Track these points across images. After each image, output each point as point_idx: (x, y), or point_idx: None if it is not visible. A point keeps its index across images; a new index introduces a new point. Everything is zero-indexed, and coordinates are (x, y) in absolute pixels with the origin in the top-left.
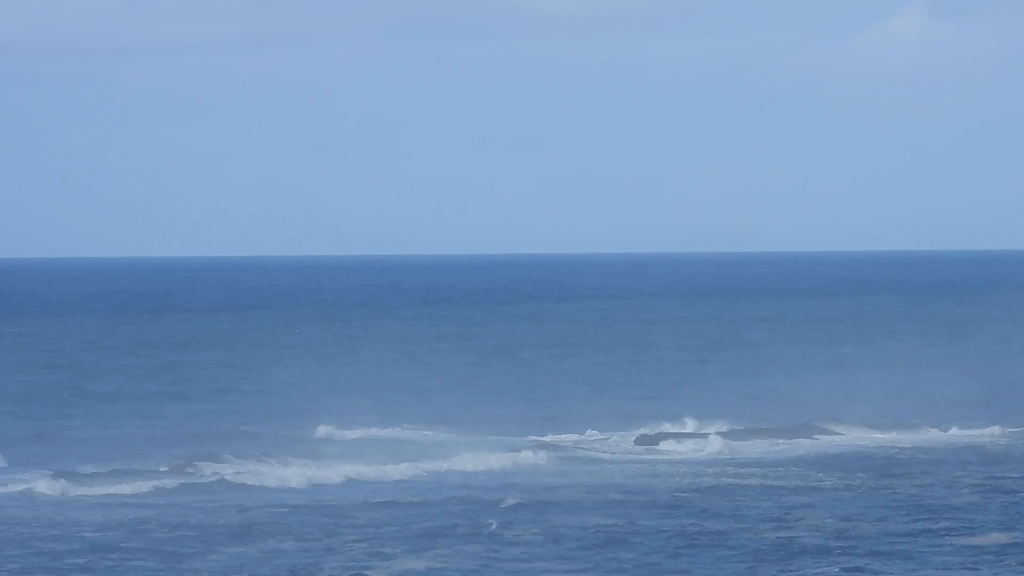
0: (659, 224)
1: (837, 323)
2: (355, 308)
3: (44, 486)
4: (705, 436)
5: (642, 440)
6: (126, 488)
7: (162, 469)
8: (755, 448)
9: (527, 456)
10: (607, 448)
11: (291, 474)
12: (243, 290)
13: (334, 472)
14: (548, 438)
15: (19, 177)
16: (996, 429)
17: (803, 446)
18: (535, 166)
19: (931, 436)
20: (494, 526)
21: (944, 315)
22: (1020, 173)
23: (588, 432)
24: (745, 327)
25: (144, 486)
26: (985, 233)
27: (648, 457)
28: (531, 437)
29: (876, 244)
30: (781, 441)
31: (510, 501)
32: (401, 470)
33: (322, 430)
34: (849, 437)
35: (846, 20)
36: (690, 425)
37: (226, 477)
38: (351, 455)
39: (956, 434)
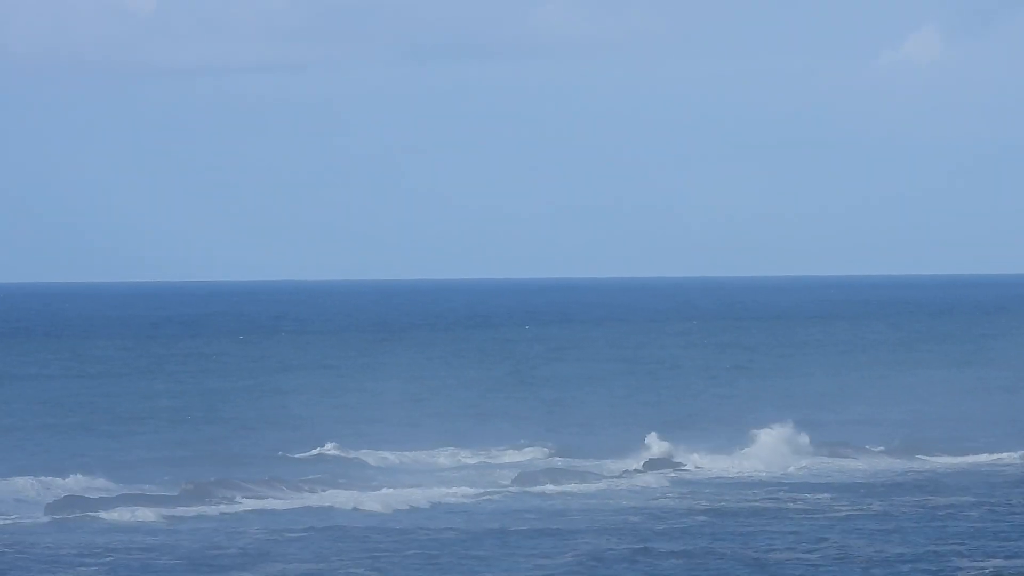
0: (670, 248)
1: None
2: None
3: (53, 510)
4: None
5: (651, 464)
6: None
7: (172, 493)
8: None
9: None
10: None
11: (313, 499)
12: (254, 316)
13: (364, 496)
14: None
15: (34, 198)
16: None
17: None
18: (549, 189)
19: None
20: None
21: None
22: None
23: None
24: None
25: (150, 512)
26: (1004, 258)
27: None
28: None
29: (886, 268)
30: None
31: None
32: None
33: (364, 453)
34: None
35: (859, 44)
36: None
37: (249, 501)
38: (382, 479)
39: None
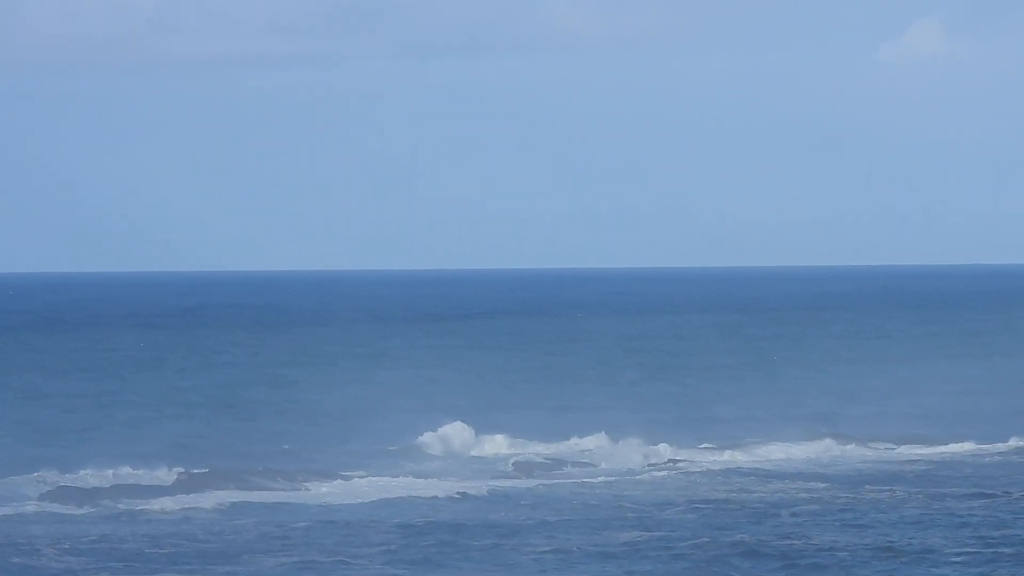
0: (676, 240)
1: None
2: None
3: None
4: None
5: (651, 456)
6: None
7: (166, 483)
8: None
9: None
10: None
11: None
12: (261, 306)
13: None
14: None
15: (39, 194)
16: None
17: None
18: (555, 186)
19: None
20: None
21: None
22: None
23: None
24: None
25: (154, 502)
26: (1008, 248)
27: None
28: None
29: (890, 259)
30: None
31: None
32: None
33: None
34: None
35: (862, 37)
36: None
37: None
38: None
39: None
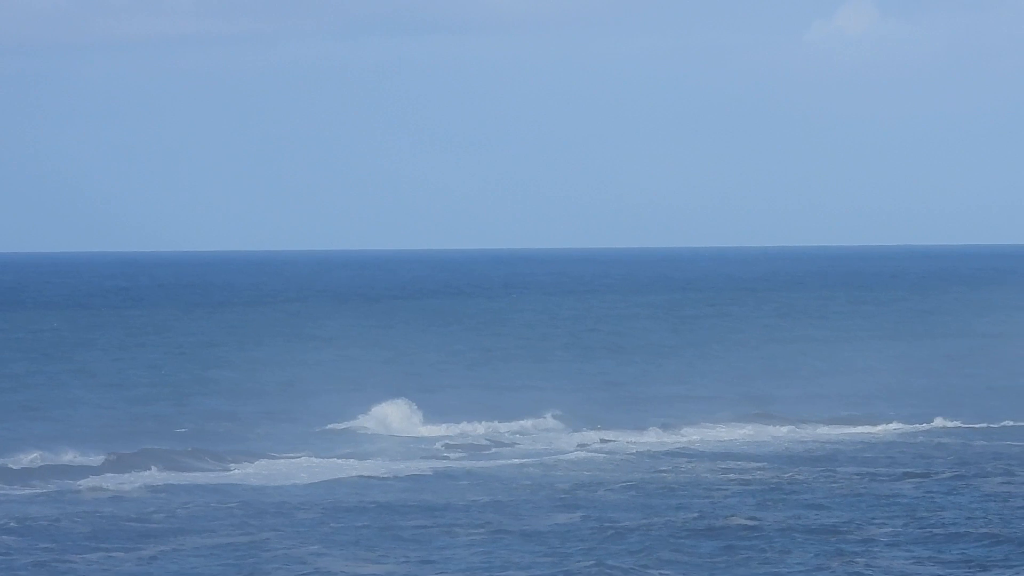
0: (608, 221)
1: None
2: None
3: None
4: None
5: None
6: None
7: (94, 463)
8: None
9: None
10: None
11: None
12: (200, 286)
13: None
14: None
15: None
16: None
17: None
18: (485, 165)
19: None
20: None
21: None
22: (966, 170)
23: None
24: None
25: (83, 482)
26: (932, 230)
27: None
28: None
29: (822, 240)
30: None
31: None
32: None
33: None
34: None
35: (791, 18)
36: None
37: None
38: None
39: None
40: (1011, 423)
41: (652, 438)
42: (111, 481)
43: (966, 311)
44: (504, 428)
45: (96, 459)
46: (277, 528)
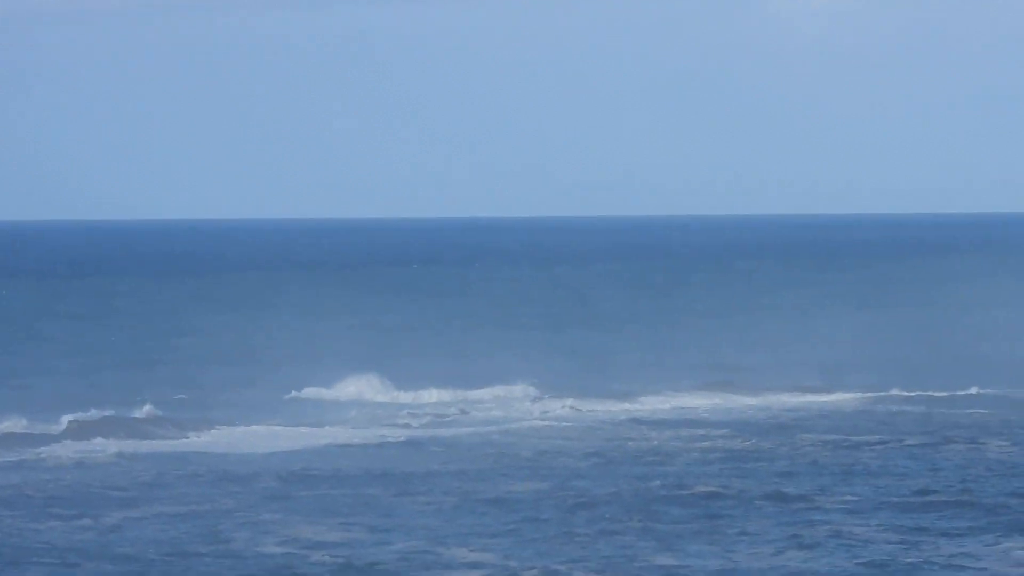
0: (577, 190)
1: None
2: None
3: None
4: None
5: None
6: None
7: (54, 431)
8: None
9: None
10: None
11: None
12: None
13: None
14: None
15: None
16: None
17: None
18: (452, 134)
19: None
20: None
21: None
22: (928, 141)
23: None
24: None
25: (44, 450)
26: (896, 199)
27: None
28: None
29: (786, 209)
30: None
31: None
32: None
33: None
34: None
35: None
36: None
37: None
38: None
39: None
40: (975, 391)
41: (618, 406)
42: (71, 449)
43: (932, 280)
44: (471, 396)
45: (57, 427)
46: (240, 495)
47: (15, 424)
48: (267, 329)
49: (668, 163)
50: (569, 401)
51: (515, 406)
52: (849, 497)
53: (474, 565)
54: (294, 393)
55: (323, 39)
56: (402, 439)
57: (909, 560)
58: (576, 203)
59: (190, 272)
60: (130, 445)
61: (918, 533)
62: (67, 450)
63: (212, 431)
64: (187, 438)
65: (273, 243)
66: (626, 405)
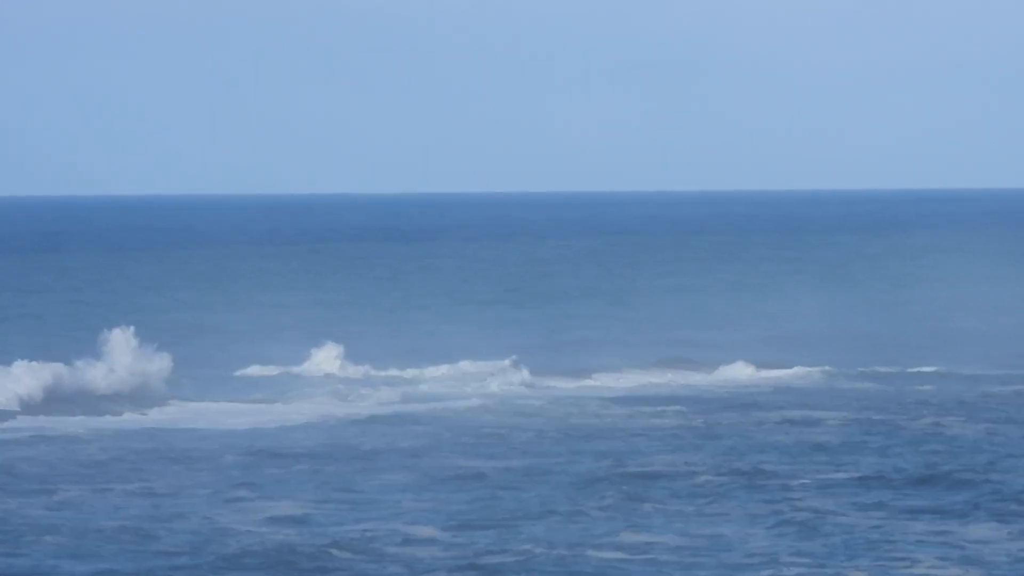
0: (535, 164)
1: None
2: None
3: None
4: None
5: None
6: None
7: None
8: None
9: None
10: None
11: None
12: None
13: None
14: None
15: None
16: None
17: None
18: (414, 109)
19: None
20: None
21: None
22: (888, 111)
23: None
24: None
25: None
26: (864, 173)
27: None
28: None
29: (753, 185)
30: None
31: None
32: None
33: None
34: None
35: None
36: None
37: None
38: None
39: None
40: (943, 369)
41: (575, 383)
42: (26, 423)
43: (903, 255)
44: (428, 373)
45: (8, 403)
46: (196, 473)
47: None
48: (220, 304)
49: (629, 138)
50: (525, 376)
51: (473, 382)
52: (814, 475)
53: (436, 542)
54: (248, 369)
55: (290, 9)
56: (363, 415)
57: (873, 538)
58: (538, 178)
59: (146, 247)
60: (83, 422)
61: (880, 509)
62: (19, 425)
63: (166, 407)
64: (143, 414)
65: (230, 219)
66: (585, 381)
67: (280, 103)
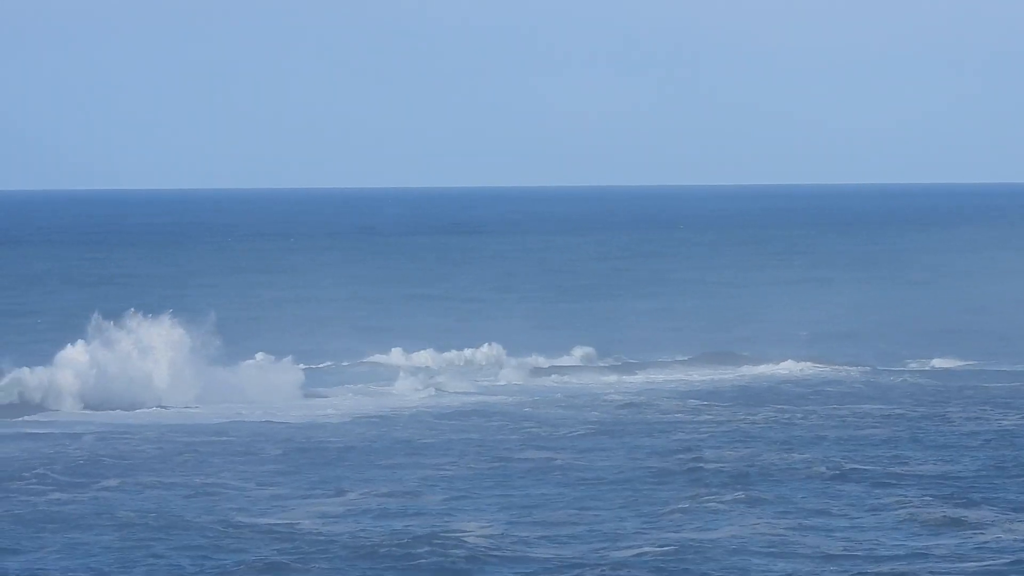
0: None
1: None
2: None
3: None
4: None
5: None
6: None
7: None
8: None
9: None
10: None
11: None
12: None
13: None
14: None
15: None
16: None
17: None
18: (422, 103)
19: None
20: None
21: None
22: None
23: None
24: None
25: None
26: (868, 167)
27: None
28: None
29: (769, 178)
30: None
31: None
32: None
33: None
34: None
35: None
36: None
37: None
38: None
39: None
40: (984, 364)
41: (617, 377)
42: (70, 417)
43: (947, 250)
44: (465, 366)
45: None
46: (243, 466)
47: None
48: (254, 297)
49: (664, 134)
50: (567, 373)
51: (513, 376)
52: (865, 468)
53: (483, 537)
54: (303, 364)
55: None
56: (409, 409)
57: (942, 542)
58: (575, 173)
59: (178, 241)
60: (135, 416)
61: (942, 503)
62: (65, 418)
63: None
64: (188, 409)
65: (268, 212)
66: (625, 376)
67: (282, 95)
